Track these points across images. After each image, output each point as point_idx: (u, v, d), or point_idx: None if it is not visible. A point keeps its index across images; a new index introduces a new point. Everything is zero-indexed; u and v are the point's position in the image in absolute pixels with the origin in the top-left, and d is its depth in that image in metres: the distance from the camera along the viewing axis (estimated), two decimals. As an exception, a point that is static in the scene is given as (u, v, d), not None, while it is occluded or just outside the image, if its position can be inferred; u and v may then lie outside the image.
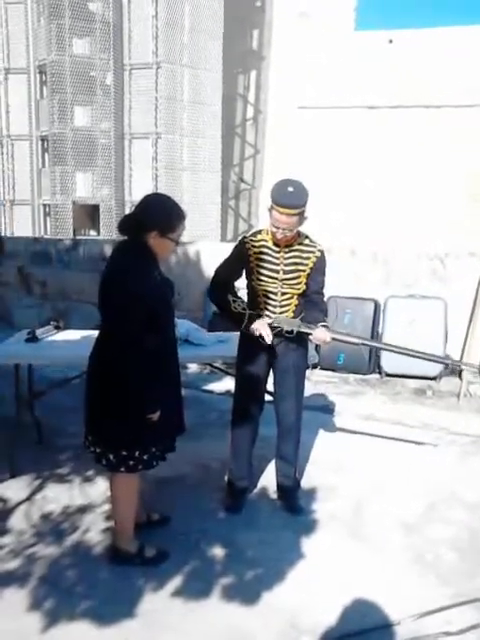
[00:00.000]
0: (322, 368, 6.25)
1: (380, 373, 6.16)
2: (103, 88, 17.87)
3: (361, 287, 6.44)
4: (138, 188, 18.00)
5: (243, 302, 3.21)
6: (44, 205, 18.92)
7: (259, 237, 3.20)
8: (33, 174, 19.03)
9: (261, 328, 3.06)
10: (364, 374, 6.18)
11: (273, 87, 19.29)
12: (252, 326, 3.09)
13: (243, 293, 3.32)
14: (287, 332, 3.15)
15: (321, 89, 17.13)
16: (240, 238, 3.37)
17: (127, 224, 2.65)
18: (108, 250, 7.67)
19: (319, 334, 3.11)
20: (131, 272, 2.52)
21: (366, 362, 6.16)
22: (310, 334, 3.13)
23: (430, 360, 3.32)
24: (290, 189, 2.94)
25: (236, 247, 3.28)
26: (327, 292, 3.33)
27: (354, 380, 6.11)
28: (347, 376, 6.16)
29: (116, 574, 2.77)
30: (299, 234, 3.18)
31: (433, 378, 5.91)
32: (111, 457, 2.70)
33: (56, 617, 2.49)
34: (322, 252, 3.20)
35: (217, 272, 3.30)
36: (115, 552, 2.87)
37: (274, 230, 3.05)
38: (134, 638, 2.40)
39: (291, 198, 2.94)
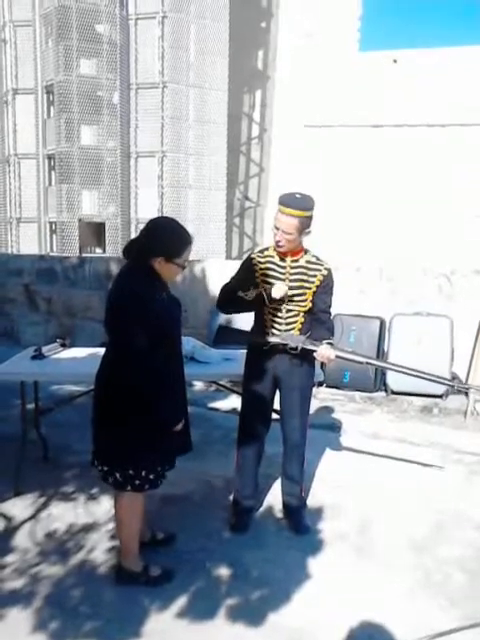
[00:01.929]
0: (328, 386, 6.23)
1: (386, 391, 6.13)
2: (110, 107, 18.01)
3: (366, 304, 6.44)
4: (144, 206, 18.10)
5: (252, 287, 3.15)
6: (50, 223, 19.00)
7: (266, 253, 3.23)
8: (39, 192, 19.12)
9: (280, 291, 3.08)
10: (370, 392, 6.16)
11: (278, 106, 19.45)
12: (273, 295, 3.09)
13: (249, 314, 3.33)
14: (291, 348, 3.15)
15: (326, 108, 17.26)
16: (248, 254, 3.39)
17: (133, 249, 2.66)
18: (114, 268, 7.72)
19: (323, 351, 3.11)
20: (138, 295, 2.52)
21: (372, 380, 6.14)
22: (314, 351, 3.14)
23: (435, 382, 3.30)
24: (297, 195, 3.05)
25: (244, 262, 3.31)
26: (333, 310, 3.33)
27: (360, 398, 6.08)
28: (353, 394, 6.14)
29: (121, 594, 2.75)
30: (305, 251, 3.20)
31: (440, 396, 5.88)
32: (118, 476, 2.69)
33: (61, 637, 2.47)
34: (329, 271, 3.21)
35: (224, 287, 3.31)
36: (120, 571, 2.85)
37: (274, 231, 3.09)
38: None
39: (296, 200, 3.02)
